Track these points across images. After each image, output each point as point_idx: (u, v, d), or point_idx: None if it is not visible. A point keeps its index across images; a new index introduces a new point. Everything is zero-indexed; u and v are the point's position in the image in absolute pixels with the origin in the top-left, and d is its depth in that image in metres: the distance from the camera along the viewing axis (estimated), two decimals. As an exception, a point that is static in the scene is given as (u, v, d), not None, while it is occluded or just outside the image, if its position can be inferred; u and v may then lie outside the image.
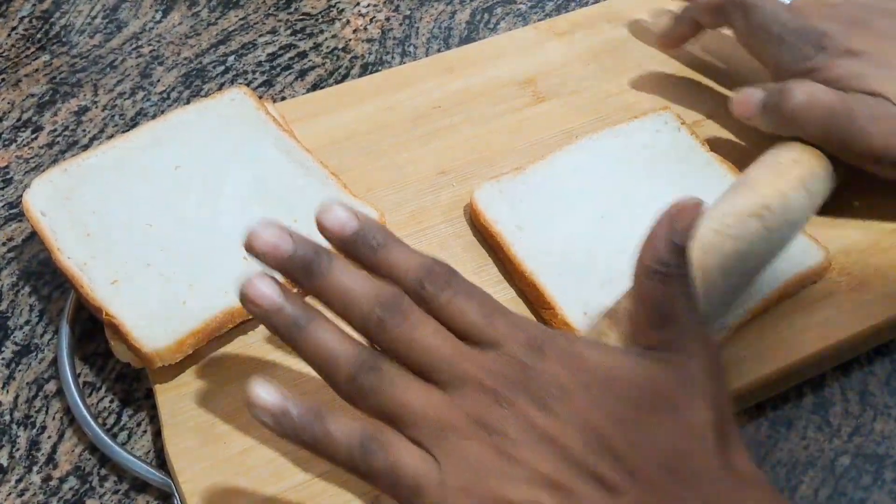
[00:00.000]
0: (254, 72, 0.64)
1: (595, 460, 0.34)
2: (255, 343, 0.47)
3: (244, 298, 0.37)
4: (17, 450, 0.46)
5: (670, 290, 0.36)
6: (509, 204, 0.50)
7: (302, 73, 0.63)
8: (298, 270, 0.37)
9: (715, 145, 0.55)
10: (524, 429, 0.34)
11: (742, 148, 0.56)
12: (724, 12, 0.55)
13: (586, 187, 0.52)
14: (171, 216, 0.49)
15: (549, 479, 0.34)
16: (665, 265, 0.36)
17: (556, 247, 0.49)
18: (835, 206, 0.50)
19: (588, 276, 0.47)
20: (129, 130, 0.53)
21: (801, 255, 0.48)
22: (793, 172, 0.47)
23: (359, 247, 0.37)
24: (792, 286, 0.48)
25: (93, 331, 0.49)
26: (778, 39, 0.51)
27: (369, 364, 0.36)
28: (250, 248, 0.37)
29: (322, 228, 0.38)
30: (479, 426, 0.35)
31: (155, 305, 0.45)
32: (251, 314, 0.37)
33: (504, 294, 0.49)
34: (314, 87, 0.62)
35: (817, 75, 0.50)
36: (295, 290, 0.39)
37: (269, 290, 0.36)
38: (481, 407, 0.35)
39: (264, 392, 0.35)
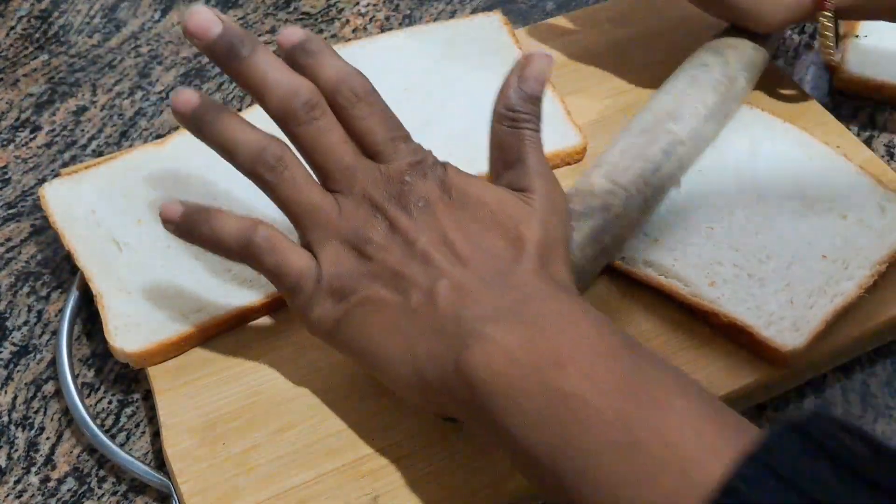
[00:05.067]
0: (253, 71, 0.63)
1: (433, 252, 0.38)
2: (253, 344, 0.46)
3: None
4: (16, 451, 0.45)
5: (518, 134, 0.41)
6: None
7: (301, 73, 0.63)
8: (223, 52, 0.40)
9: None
10: (387, 233, 0.39)
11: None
12: None
13: (401, 65, 0.57)
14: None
15: (392, 270, 0.38)
16: (514, 111, 0.41)
17: None
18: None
19: None
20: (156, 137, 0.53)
21: None
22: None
23: (294, 54, 0.41)
24: None
25: (91, 332, 0.49)
26: None
27: (276, 155, 0.40)
28: (184, 29, 0.40)
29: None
30: (354, 233, 0.39)
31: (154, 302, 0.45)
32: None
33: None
34: (313, 86, 0.62)
35: None
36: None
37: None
38: (361, 216, 0.40)
39: (169, 206, 0.41)
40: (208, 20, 0.40)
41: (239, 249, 0.41)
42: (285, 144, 0.40)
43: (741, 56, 0.54)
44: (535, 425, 0.33)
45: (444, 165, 0.42)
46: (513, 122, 0.41)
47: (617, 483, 0.31)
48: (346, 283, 0.39)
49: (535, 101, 0.41)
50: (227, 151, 0.41)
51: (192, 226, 0.41)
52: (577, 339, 0.35)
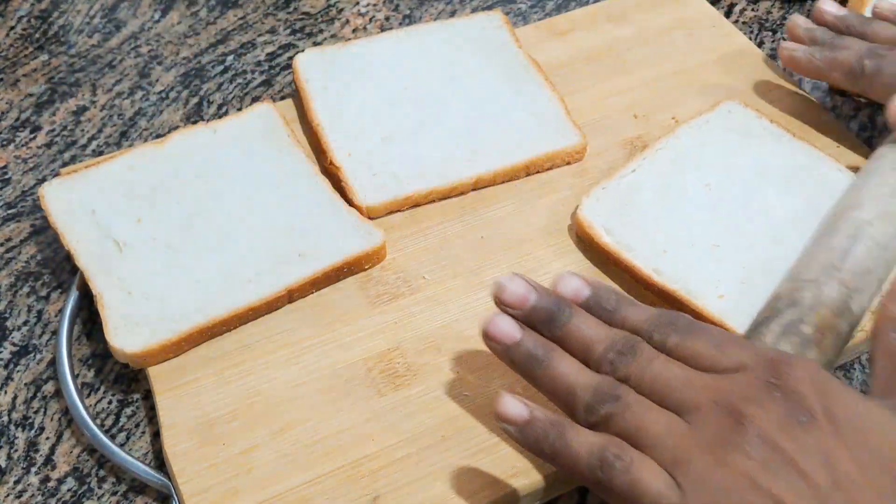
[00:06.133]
0: (253, 71, 0.63)
1: (839, 499, 0.33)
2: (253, 344, 0.46)
3: (486, 335, 0.39)
4: (16, 451, 0.45)
5: None
6: (325, 69, 0.57)
7: (301, 73, 0.63)
8: (542, 320, 0.39)
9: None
10: (765, 449, 0.34)
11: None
12: (857, 80, 0.54)
13: (401, 65, 0.57)
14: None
15: (777, 498, 0.33)
16: None
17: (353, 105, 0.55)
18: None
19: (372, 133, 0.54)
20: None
21: None
22: None
23: (594, 308, 0.40)
24: None
25: (91, 332, 0.49)
26: None
27: (608, 391, 0.37)
28: (498, 300, 0.40)
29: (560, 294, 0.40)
30: (719, 448, 0.34)
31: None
32: (492, 350, 0.40)
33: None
34: (313, 86, 0.62)
35: None
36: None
37: (509, 327, 0.39)
38: (721, 428, 0.35)
39: (511, 404, 0.37)
40: (524, 288, 0.39)
41: (591, 471, 0.36)
42: (616, 382, 0.38)
43: None
44: None
45: (804, 361, 0.37)
46: None
47: None
48: (733, 485, 0.34)
49: None
50: (562, 396, 0.38)
51: (538, 435, 0.37)
52: None
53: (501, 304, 0.40)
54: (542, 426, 0.37)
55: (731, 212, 0.50)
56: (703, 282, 0.47)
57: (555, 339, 0.39)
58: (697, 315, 0.46)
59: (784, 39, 0.64)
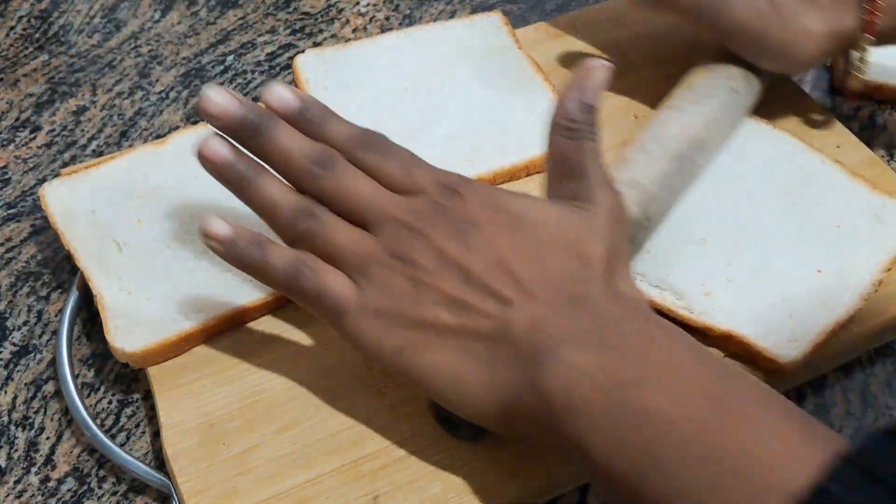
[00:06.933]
0: (253, 71, 0.63)
1: (494, 280, 0.38)
2: (253, 344, 0.46)
3: (200, 156, 0.41)
4: (16, 451, 0.45)
5: (579, 145, 0.40)
6: (325, 69, 0.57)
7: (301, 73, 0.63)
8: (244, 131, 0.41)
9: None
10: (436, 258, 0.38)
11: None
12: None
13: (400, 65, 0.58)
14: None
15: (452, 297, 0.38)
16: (573, 121, 0.41)
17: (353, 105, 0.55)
18: None
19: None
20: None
21: None
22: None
23: (300, 121, 0.42)
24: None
25: (91, 332, 0.49)
26: None
27: (306, 210, 0.40)
28: (202, 110, 0.41)
29: (267, 106, 0.42)
30: (396, 258, 0.39)
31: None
32: (207, 171, 0.41)
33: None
34: (313, 86, 0.62)
35: None
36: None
37: (222, 148, 0.41)
38: (399, 241, 0.39)
39: (217, 224, 0.40)
40: (227, 99, 0.41)
41: (286, 280, 0.40)
42: (314, 202, 0.41)
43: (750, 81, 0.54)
44: (618, 445, 0.33)
45: (483, 184, 0.41)
46: (572, 133, 0.41)
47: (701, 495, 0.31)
48: (400, 306, 0.38)
49: (594, 111, 0.41)
50: (268, 214, 0.41)
51: (241, 251, 0.41)
52: (656, 357, 0.35)
53: (206, 115, 0.41)
54: (244, 242, 0.40)
55: (720, 210, 0.50)
56: (687, 279, 0.47)
57: (258, 152, 0.41)
58: (685, 317, 0.46)
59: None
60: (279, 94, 0.42)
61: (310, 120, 0.42)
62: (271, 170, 0.42)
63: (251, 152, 0.42)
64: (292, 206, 0.40)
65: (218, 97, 0.41)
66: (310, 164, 0.41)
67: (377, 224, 0.40)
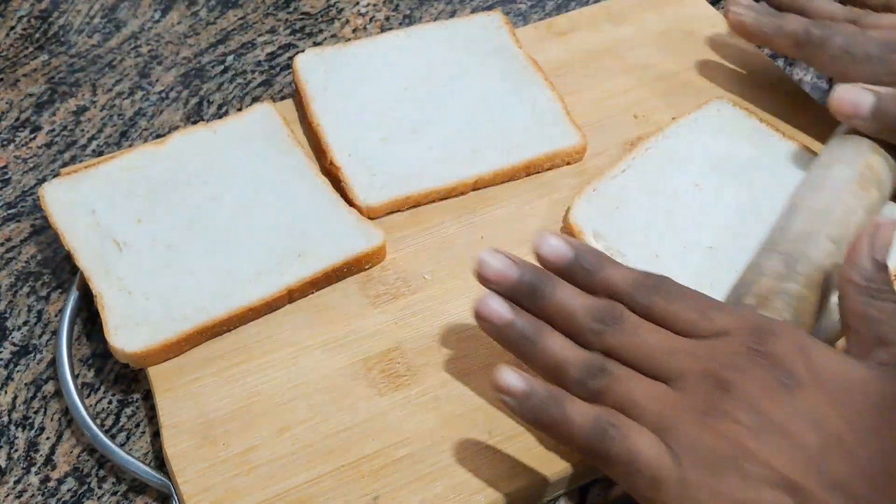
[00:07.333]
0: (253, 71, 0.63)
1: (831, 461, 0.33)
2: (253, 344, 0.46)
3: (478, 316, 0.40)
4: (16, 451, 0.45)
5: (883, 308, 0.38)
6: (325, 69, 0.57)
7: (301, 73, 0.63)
8: (524, 294, 0.40)
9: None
10: (753, 415, 0.34)
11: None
12: (802, 48, 0.54)
13: (400, 65, 0.58)
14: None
15: (787, 479, 0.33)
16: (872, 281, 0.38)
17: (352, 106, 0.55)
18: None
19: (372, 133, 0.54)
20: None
21: None
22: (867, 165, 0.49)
23: (577, 271, 0.40)
24: None
25: (91, 332, 0.49)
26: (865, 58, 0.51)
27: (597, 366, 0.38)
28: (480, 276, 0.40)
29: (540, 258, 0.41)
30: (707, 415, 0.35)
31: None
32: (484, 331, 0.40)
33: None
34: (313, 86, 0.62)
35: None
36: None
37: (500, 308, 0.39)
38: (708, 395, 0.35)
39: (511, 377, 0.38)
40: (505, 263, 0.40)
41: (588, 441, 0.36)
42: (603, 356, 0.38)
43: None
44: None
45: (787, 326, 0.38)
46: (875, 294, 0.38)
47: None
48: (724, 479, 0.34)
49: (887, 269, 0.40)
50: (553, 373, 0.39)
51: (537, 407, 0.37)
52: None
53: (484, 280, 0.40)
54: (540, 398, 0.37)
55: (723, 213, 0.50)
56: (696, 285, 0.47)
57: (539, 312, 0.40)
58: None
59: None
60: (552, 245, 0.41)
61: (586, 269, 0.40)
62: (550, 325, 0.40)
63: (530, 311, 0.40)
64: (580, 362, 0.38)
65: (495, 262, 0.40)
66: (593, 322, 0.39)
67: (678, 378, 0.37)
